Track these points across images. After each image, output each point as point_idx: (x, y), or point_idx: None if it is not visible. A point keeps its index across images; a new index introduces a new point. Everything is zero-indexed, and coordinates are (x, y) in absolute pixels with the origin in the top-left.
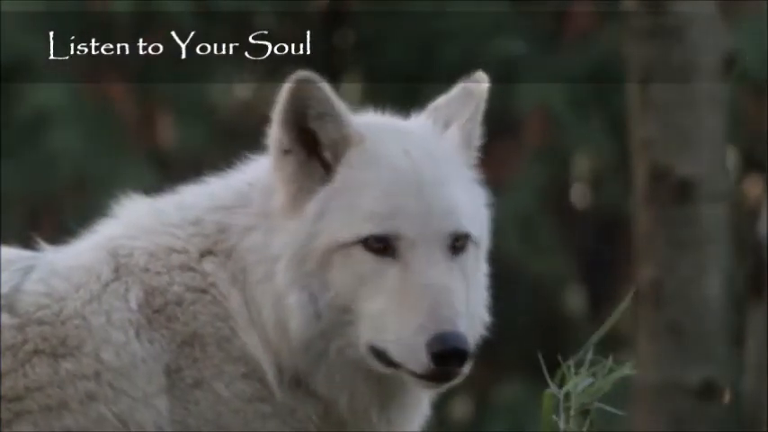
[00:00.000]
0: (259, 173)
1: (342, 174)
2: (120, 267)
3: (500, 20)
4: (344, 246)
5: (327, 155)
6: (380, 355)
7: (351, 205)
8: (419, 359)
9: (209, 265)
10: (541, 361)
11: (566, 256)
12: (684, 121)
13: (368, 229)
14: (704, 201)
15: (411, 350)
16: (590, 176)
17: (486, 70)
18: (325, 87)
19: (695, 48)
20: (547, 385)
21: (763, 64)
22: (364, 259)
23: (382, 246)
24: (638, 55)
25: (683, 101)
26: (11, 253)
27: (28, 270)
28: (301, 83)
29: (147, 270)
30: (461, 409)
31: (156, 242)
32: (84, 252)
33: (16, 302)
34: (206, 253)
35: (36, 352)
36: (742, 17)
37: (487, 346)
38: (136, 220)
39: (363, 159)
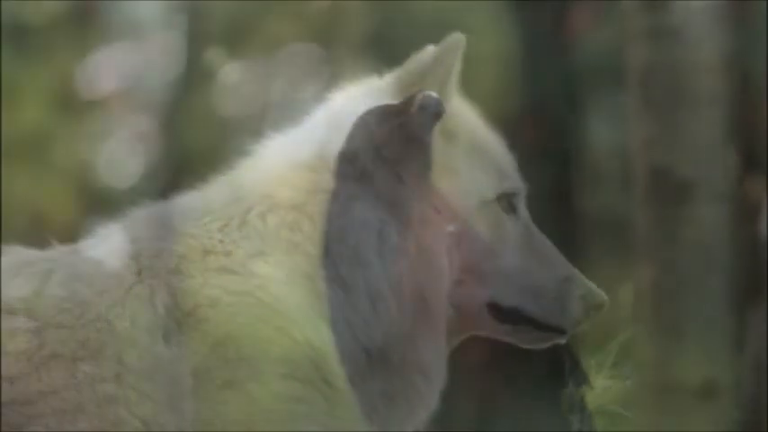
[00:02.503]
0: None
1: (458, 134)
2: (143, 270)
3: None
4: (487, 203)
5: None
6: (502, 312)
7: (483, 163)
8: (570, 312)
9: (259, 266)
10: (565, 362)
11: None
12: (684, 121)
13: (505, 186)
14: (704, 201)
15: (561, 304)
16: (589, 176)
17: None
18: None
19: (695, 48)
20: (548, 385)
21: (763, 64)
22: (500, 217)
23: (506, 203)
24: (637, 55)
25: (683, 101)
26: (27, 254)
27: (48, 273)
28: (457, 45)
29: (176, 272)
30: (462, 409)
31: (188, 244)
32: (105, 255)
33: (36, 307)
34: (256, 254)
35: (53, 356)
36: (740, 16)
37: (488, 345)
38: (160, 222)
39: (462, 119)
